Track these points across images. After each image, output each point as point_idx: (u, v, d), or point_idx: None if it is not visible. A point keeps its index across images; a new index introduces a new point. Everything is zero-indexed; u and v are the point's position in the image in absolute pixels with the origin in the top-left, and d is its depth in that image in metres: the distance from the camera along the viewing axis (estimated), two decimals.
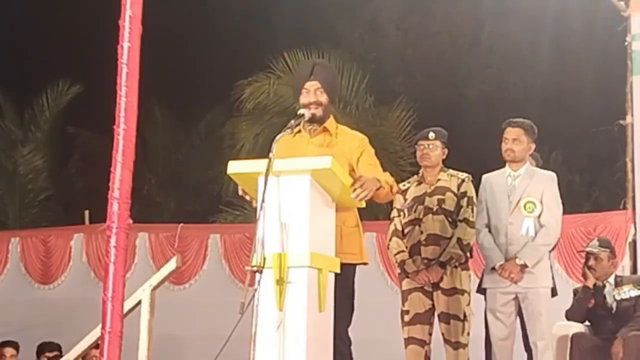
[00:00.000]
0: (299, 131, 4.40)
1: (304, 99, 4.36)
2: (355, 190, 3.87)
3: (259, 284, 3.56)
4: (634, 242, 7.92)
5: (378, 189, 4.02)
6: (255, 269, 3.56)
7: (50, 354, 7.63)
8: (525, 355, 5.71)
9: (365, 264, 4.47)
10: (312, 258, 3.63)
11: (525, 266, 5.25)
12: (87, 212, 10.50)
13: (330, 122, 4.43)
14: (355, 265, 4.37)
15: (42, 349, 7.90)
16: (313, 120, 4.35)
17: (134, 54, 3.74)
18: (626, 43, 8.09)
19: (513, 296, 5.33)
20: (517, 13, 11.77)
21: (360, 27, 13.96)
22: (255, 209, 3.74)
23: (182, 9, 13.68)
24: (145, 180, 13.27)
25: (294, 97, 4.64)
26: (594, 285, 5.92)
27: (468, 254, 5.42)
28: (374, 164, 4.34)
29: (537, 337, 5.28)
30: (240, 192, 4.04)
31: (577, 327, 5.93)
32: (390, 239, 5.53)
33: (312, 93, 4.35)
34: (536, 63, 13.07)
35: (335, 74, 4.80)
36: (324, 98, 4.36)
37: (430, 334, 5.37)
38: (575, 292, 6.10)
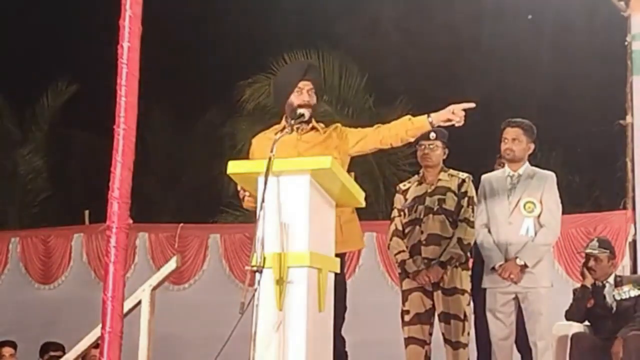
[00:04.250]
0: (283, 129, 4.40)
1: (296, 98, 4.37)
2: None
3: (258, 283, 3.55)
4: (634, 242, 7.93)
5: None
6: (255, 268, 3.56)
7: (54, 353, 7.62)
8: (520, 355, 5.72)
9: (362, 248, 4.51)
10: (312, 258, 3.62)
11: (525, 266, 5.25)
12: (87, 212, 10.51)
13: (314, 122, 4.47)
14: (344, 255, 4.36)
15: (46, 348, 7.89)
16: (303, 120, 4.36)
17: (134, 54, 3.74)
18: (626, 43, 8.10)
19: (513, 296, 5.33)
20: (517, 13, 11.76)
21: (360, 27, 13.95)
22: (250, 210, 3.75)
23: (182, 9, 13.67)
24: (145, 180, 13.27)
25: (276, 93, 4.64)
26: (593, 285, 5.92)
27: (468, 254, 5.43)
28: (364, 129, 4.45)
29: (537, 337, 5.27)
30: (239, 189, 4.05)
31: (577, 327, 5.93)
32: (390, 239, 5.53)
33: (305, 93, 4.37)
34: (536, 63, 13.08)
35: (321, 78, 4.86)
36: (314, 99, 4.41)
37: (431, 334, 5.37)
38: (575, 292, 6.10)
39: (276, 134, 4.23)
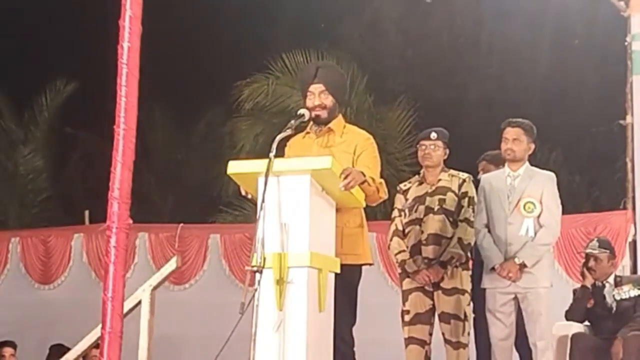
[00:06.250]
0: (308, 132, 4.44)
1: (309, 102, 4.38)
2: (342, 179, 3.84)
3: (259, 284, 3.56)
4: (634, 242, 7.94)
5: (362, 183, 4.03)
6: (255, 269, 3.57)
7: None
8: (519, 355, 5.72)
9: (369, 264, 4.47)
10: (312, 258, 3.63)
11: (524, 265, 5.25)
12: (87, 212, 10.51)
13: (337, 122, 4.45)
14: (360, 266, 4.38)
15: (54, 350, 7.87)
16: (318, 122, 4.37)
17: (134, 54, 3.74)
18: (626, 43, 8.10)
19: (512, 296, 5.33)
20: (517, 13, 11.76)
21: (360, 27, 13.95)
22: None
23: (181, 9, 13.67)
24: (145, 180, 13.26)
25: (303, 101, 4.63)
26: (593, 285, 5.92)
27: (469, 254, 5.43)
28: (372, 167, 4.33)
29: (537, 337, 5.26)
30: (243, 193, 4.05)
31: (577, 327, 5.94)
32: (391, 239, 5.53)
33: (317, 96, 4.37)
34: (536, 63, 13.06)
35: (341, 74, 4.79)
36: (328, 100, 4.39)
37: (431, 334, 5.37)
38: (575, 292, 6.11)
39: (304, 137, 4.23)
